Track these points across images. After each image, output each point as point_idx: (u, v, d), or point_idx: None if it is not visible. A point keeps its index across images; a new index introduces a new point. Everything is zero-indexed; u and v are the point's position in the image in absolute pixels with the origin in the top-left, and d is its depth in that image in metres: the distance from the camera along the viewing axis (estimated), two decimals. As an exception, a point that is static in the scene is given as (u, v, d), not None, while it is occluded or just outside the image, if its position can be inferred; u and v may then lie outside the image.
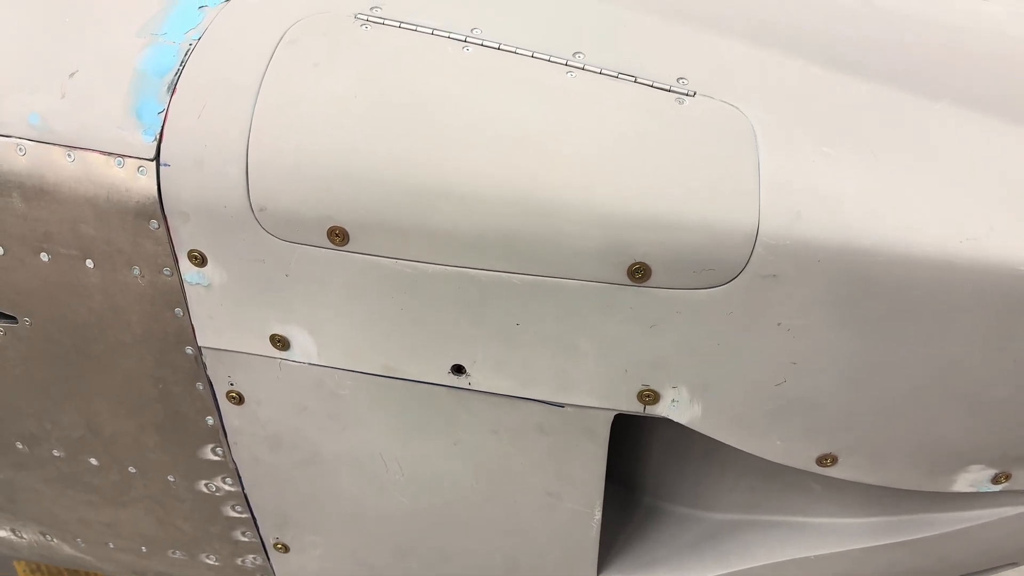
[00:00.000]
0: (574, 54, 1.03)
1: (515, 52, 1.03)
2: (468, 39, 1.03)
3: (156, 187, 1.02)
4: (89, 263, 1.10)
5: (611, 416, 1.09)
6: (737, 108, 0.99)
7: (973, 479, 1.14)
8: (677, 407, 1.06)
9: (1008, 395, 1.04)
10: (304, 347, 1.11)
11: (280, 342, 1.11)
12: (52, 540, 1.55)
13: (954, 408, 1.05)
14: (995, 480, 1.14)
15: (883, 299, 0.95)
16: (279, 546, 1.38)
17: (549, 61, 1.02)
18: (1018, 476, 1.15)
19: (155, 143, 1.02)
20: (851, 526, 1.27)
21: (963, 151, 1.00)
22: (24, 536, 1.57)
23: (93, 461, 1.34)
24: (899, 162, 0.98)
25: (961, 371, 1.02)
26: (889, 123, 1.02)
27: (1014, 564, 1.37)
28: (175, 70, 1.03)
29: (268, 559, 1.41)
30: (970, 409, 1.06)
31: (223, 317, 1.11)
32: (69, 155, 1.04)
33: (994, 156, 1.00)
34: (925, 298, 0.95)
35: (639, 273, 0.96)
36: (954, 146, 1.01)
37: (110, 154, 1.03)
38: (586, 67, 1.02)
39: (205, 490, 1.32)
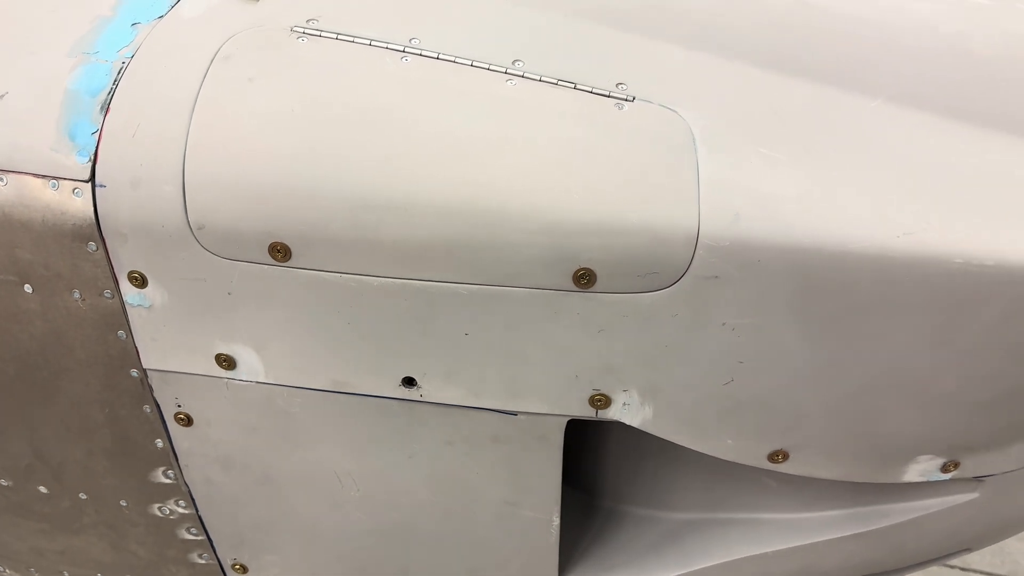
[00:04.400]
0: (513, 62, 1.03)
1: (454, 61, 1.02)
2: (407, 49, 1.03)
3: (92, 209, 1.00)
4: (28, 288, 1.08)
5: (564, 422, 1.09)
6: (675, 112, 1.00)
7: (923, 469, 1.16)
8: (628, 410, 1.06)
9: (952, 386, 1.06)
10: (251, 365, 1.09)
11: (226, 361, 1.09)
12: (5, 571, 1.51)
13: (901, 401, 1.07)
14: (944, 468, 1.16)
15: (825, 296, 0.97)
16: (237, 567, 1.36)
17: (488, 70, 1.02)
18: (966, 464, 1.17)
19: (90, 164, 1.00)
20: (808, 520, 1.28)
21: (898, 147, 1.02)
22: (-25, 569, 1.53)
23: (43, 489, 1.31)
24: (836, 160, 0.99)
25: (906, 364, 1.03)
26: (826, 122, 1.03)
27: (967, 550, 1.40)
28: (108, 89, 1.02)
29: (227, 580, 1.39)
30: (916, 401, 1.07)
31: (167, 338, 1.09)
32: (1, 179, 1.02)
33: (928, 151, 1.02)
34: (866, 294, 0.97)
35: (584, 279, 0.96)
36: (889, 143, 1.02)
37: (44, 177, 1.01)
38: (526, 75, 1.02)
39: (159, 513, 1.30)
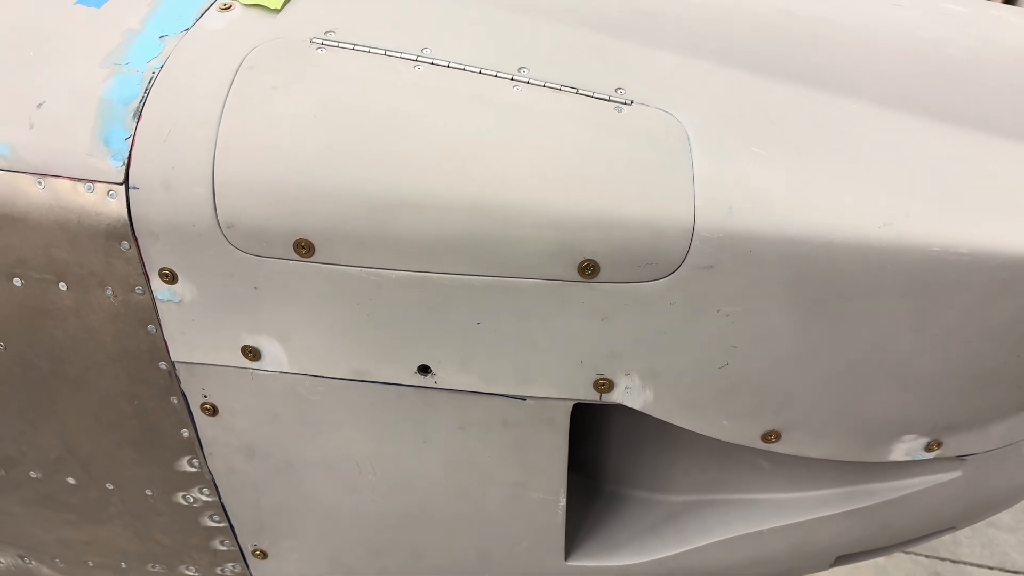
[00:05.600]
0: (519, 69, 1.10)
1: (464, 69, 1.09)
2: (419, 58, 1.10)
3: (126, 210, 1.07)
4: (62, 286, 1.14)
5: (570, 406, 1.16)
6: (671, 114, 1.07)
7: (908, 448, 1.23)
8: (630, 394, 1.13)
9: (933, 368, 1.13)
10: (275, 356, 1.16)
11: (251, 353, 1.16)
12: (30, 563, 1.57)
13: (885, 383, 1.14)
14: (928, 448, 1.23)
15: (812, 284, 1.04)
16: (257, 552, 1.42)
17: (496, 76, 1.09)
18: (949, 443, 1.24)
19: (123, 167, 1.06)
20: (800, 499, 1.35)
21: (879, 145, 1.10)
22: (1, 560, 1.59)
23: (71, 480, 1.37)
24: (822, 157, 1.06)
25: (888, 347, 1.10)
26: (812, 122, 1.10)
27: (952, 528, 1.47)
28: (140, 97, 1.08)
29: (247, 566, 1.45)
30: (899, 383, 1.14)
31: (195, 332, 1.15)
32: (39, 183, 1.08)
33: (907, 148, 1.10)
34: (850, 281, 1.04)
35: (589, 270, 1.03)
36: (871, 141, 1.10)
37: (80, 180, 1.07)
38: (531, 81, 1.09)
39: (183, 502, 1.36)
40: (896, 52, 1.25)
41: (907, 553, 3.56)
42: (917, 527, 1.40)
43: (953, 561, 3.57)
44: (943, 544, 3.62)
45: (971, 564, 3.56)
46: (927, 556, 3.59)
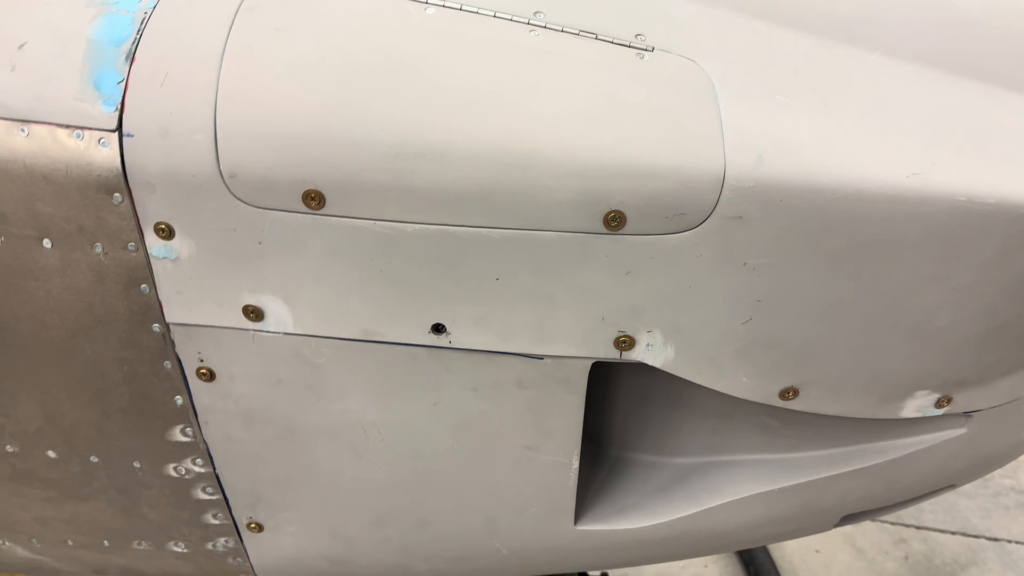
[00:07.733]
0: (535, 14, 1.05)
1: (477, 12, 1.04)
2: (429, 1, 1.04)
3: (119, 159, 1.00)
4: (46, 243, 1.07)
5: (588, 365, 1.12)
6: (694, 61, 1.04)
7: (919, 404, 1.22)
8: (652, 351, 1.10)
9: (948, 322, 1.12)
10: (279, 316, 1.10)
11: (253, 313, 1.10)
12: (4, 544, 1.48)
13: (903, 337, 1.13)
14: (938, 404, 1.23)
15: (840, 235, 1.02)
16: (252, 525, 1.36)
17: (512, 21, 1.04)
18: (958, 399, 1.24)
19: (116, 113, 0.99)
20: (809, 459, 1.34)
21: (899, 95, 1.08)
22: (-28, 542, 1.50)
23: (51, 454, 1.30)
24: (846, 107, 1.04)
25: (909, 300, 1.09)
26: (832, 72, 1.08)
27: (952, 486, 1.48)
28: (132, 39, 1.01)
29: (240, 540, 1.39)
30: (916, 337, 1.13)
31: (192, 291, 1.09)
32: (22, 130, 1.01)
33: (925, 99, 1.08)
34: (877, 232, 1.02)
35: (615, 221, 0.99)
36: (891, 91, 1.08)
37: (67, 127, 1.00)
38: (548, 26, 1.04)
39: (174, 474, 1.30)
40: (907, 4, 1.23)
41: (874, 521, 3.63)
42: (921, 484, 1.41)
43: (917, 527, 3.66)
44: (907, 511, 3.71)
45: (934, 529, 3.65)
46: (892, 523, 3.67)
